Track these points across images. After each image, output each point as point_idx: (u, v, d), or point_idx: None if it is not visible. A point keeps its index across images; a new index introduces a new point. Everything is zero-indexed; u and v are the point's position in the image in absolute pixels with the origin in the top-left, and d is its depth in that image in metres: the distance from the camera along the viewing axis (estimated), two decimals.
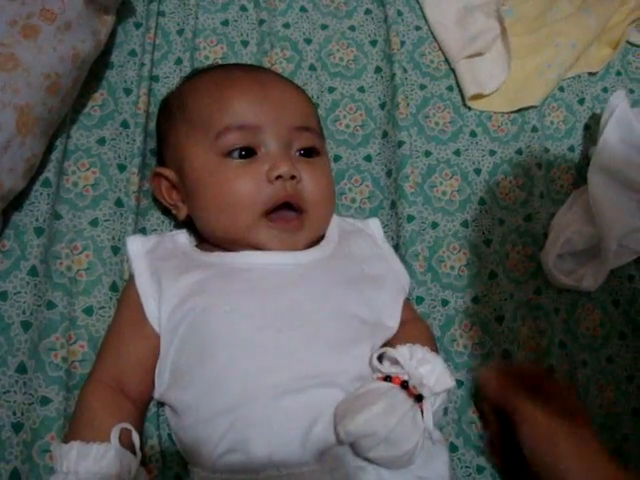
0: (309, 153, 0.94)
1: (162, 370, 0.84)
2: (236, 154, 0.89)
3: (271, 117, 0.90)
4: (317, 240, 0.95)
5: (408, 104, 1.18)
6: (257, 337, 0.81)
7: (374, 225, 1.03)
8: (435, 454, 0.82)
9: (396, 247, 1.05)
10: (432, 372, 0.79)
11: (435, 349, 0.89)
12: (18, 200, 0.92)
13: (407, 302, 0.98)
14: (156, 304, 0.85)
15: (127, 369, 0.84)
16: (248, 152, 0.89)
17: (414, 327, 0.94)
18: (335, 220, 0.99)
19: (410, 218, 1.07)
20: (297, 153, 0.93)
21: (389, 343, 0.88)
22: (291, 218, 0.90)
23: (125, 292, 0.91)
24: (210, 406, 0.79)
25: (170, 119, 0.98)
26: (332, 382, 0.79)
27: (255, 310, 0.83)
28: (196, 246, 0.95)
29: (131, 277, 0.90)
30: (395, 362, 0.80)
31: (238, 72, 0.97)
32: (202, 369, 0.80)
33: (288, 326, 0.82)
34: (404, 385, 0.78)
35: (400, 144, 1.12)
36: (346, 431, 0.72)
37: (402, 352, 0.80)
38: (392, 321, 0.91)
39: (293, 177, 0.88)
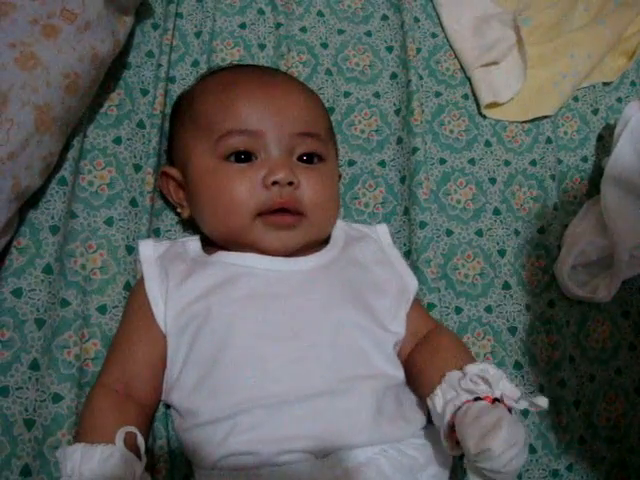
0: (311, 159, 0.94)
1: (170, 374, 0.85)
2: (234, 158, 0.90)
3: (273, 122, 0.90)
4: (320, 245, 0.95)
5: (423, 111, 1.18)
6: (258, 346, 0.81)
7: (381, 230, 1.02)
8: (437, 455, 0.83)
9: (408, 253, 1.05)
10: (509, 386, 0.77)
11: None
12: (34, 198, 0.92)
13: (423, 308, 0.98)
14: (163, 307, 0.86)
15: (135, 372, 0.84)
16: (247, 156, 0.90)
17: (449, 338, 0.92)
18: (341, 226, 1.00)
19: (422, 224, 1.06)
20: (299, 159, 0.93)
21: (402, 350, 0.90)
22: (287, 215, 0.89)
23: (133, 296, 0.91)
24: (212, 411, 0.80)
25: (178, 119, 1.00)
26: (335, 391, 0.80)
27: (257, 319, 0.83)
28: (204, 250, 0.95)
29: (140, 280, 0.91)
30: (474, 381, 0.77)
31: (247, 74, 0.97)
32: (205, 376, 0.81)
33: (289, 335, 0.82)
34: (497, 401, 0.75)
35: (414, 150, 1.12)
36: (492, 448, 0.69)
37: (488, 371, 0.78)
38: (396, 325, 0.90)
39: (291, 183, 0.88)
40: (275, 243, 0.89)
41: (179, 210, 0.99)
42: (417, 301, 0.97)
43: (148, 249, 0.93)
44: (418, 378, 0.86)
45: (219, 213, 0.90)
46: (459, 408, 0.75)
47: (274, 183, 0.87)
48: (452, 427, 0.75)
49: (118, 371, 0.84)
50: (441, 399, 0.78)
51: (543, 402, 0.75)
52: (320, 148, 0.95)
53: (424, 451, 0.82)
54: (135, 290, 0.92)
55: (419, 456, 0.80)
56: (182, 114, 0.99)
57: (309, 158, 0.93)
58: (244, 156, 0.90)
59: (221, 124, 0.90)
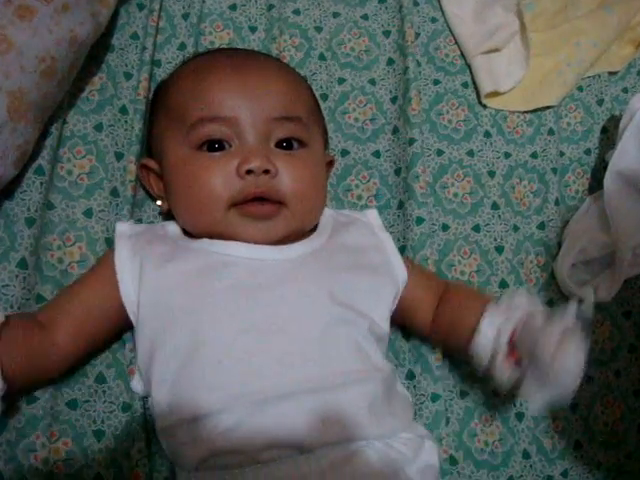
0: (290, 145, 0.89)
1: (143, 363, 0.83)
2: (207, 147, 0.86)
3: (247, 108, 0.86)
4: (306, 233, 0.91)
5: (420, 99, 1.14)
6: (242, 340, 0.78)
7: (371, 215, 0.99)
8: (424, 447, 0.82)
9: (402, 249, 1.01)
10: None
11: None
12: (9, 188, 0.88)
13: (426, 270, 1.00)
14: (134, 287, 0.83)
15: (65, 309, 0.82)
16: (221, 145, 0.86)
17: (465, 286, 1.02)
18: (329, 213, 0.96)
19: (419, 220, 1.03)
20: (278, 145, 0.88)
21: (425, 313, 0.93)
22: (265, 204, 0.85)
23: (101, 263, 0.88)
24: (192, 409, 0.77)
25: (155, 108, 0.96)
26: (320, 388, 0.77)
27: (240, 311, 0.80)
28: (185, 234, 0.91)
29: (109, 252, 0.87)
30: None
31: (221, 59, 0.93)
32: (185, 371, 0.78)
33: (273, 329, 0.79)
34: None
35: (411, 142, 1.08)
36: (572, 345, 0.77)
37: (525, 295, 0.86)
38: (379, 313, 0.87)
39: (267, 172, 0.84)
40: (255, 234, 0.85)
41: (159, 203, 0.95)
42: (419, 267, 0.98)
43: (124, 228, 0.89)
44: (452, 328, 0.91)
45: (192, 205, 0.87)
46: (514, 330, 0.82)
47: (249, 172, 0.83)
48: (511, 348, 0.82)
49: (51, 309, 0.83)
50: (493, 325, 0.83)
51: (589, 292, 0.86)
52: (300, 132, 0.90)
53: (412, 445, 0.80)
54: (103, 258, 0.88)
55: (407, 451, 0.79)
56: (157, 103, 0.96)
57: (288, 144, 0.89)
58: (217, 145, 0.86)
59: (192, 112, 0.87)
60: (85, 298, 0.84)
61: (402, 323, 0.96)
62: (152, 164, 0.93)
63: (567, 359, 0.76)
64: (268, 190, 0.85)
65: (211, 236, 0.87)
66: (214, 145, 0.86)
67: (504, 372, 0.82)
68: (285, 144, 0.89)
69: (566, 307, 0.80)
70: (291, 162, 0.87)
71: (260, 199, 0.85)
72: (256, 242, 0.85)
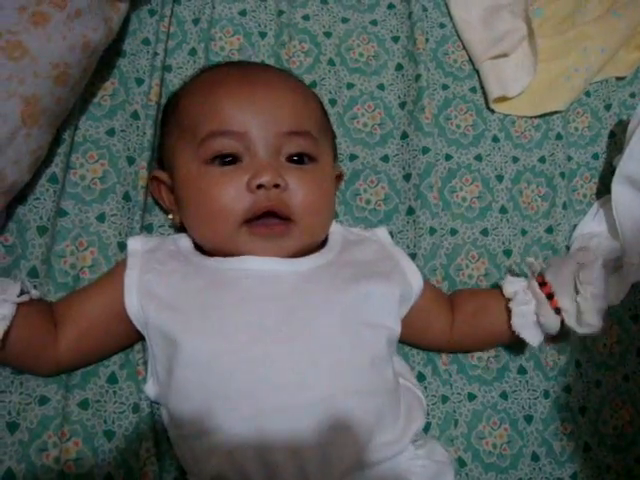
0: (301, 159, 0.89)
1: (160, 372, 0.83)
2: (218, 161, 0.86)
3: (258, 122, 0.86)
4: (317, 248, 0.91)
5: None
6: (253, 351, 0.78)
7: (381, 233, 0.99)
8: (440, 475, 0.82)
9: (413, 257, 1.02)
10: None
11: None
12: (22, 193, 0.89)
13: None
14: (138, 301, 0.83)
15: (75, 323, 0.84)
16: (232, 159, 0.86)
17: (465, 288, 1.06)
18: (339, 230, 0.96)
19: (432, 230, 1.05)
20: (289, 159, 0.88)
21: (443, 326, 0.96)
22: (274, 223, 0.86)
23: (111, 279, 0.88)
24: (204, 420, 0.77)
25: (166, 121, 0.97)
26: (332, 397, 0.77)
27: (251, 322, 0.80)
28: (198, 250, 0.92)
29: (121, 267, 0.87)
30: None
31: (232, 73, 0.93)
32: (199, 383, 0.79)
33: (285, 338, 0.79)
34: None
35: (425, 150, 1.09)
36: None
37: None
38: (391, 320, 0.87)
39: (277, 186, 0.84)
40: (262, 253, 0.85)
41: (170, 216, 0.95)
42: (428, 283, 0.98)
43: (136, 243, 0.89)
44: (480, 315, 0.96)
45: (204, 220, 0.87)
46: (540, 284, 0.92)
47: (259, 186, 0.83)
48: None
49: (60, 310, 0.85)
50: (520, 288, 0.93)
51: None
52: (310, 147, 0.90)
53: (427, 473, 0.81)
54: (114, 274, 0.88)
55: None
56: (168, 117, 0.96)
57: (299, 158, 0.89)
58: (228, 159, 0.86)
59: (203, 126, 0.87)
60: (90, 309, 0.85)
61: (413, 339, 0.97)
62: (164, 177, 0.93)
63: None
64: (278, 204, 0.85)
65: (223, 251, 0.87)
66: (225, 159, 0.86)
67: (551, 319, 0.90)
68: (295, 159, 0.89)
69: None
70: (301, 177, 0.87)
71: (270, 214, 0.85)
72: (268, 255, 0.85)
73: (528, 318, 0.91)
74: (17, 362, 0.82)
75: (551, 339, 0.98)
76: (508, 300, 0.93)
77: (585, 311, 0.88)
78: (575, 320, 0.90)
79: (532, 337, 0.92)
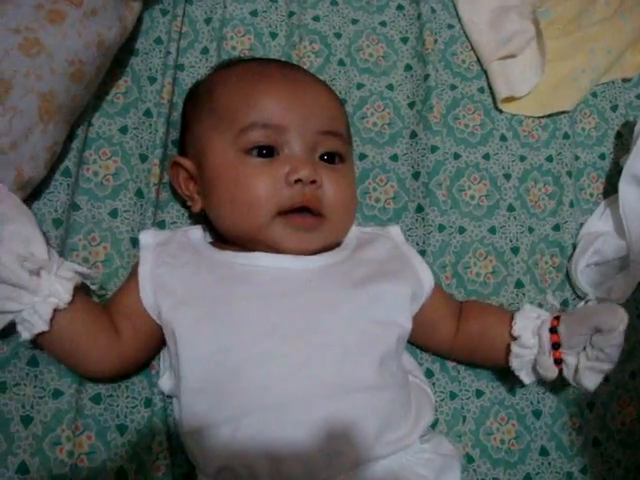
0: (332, 158, 0.91)
1: (173, 365, 0.84)
2: (256, 152, 0.87)
3: (298, 118, 0.88)
4: (332, 247, 0.92)
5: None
6: (263, 346, 0.79)
7: (394, 231, 1.00)
8: (446, 468, 0.82)
9: (422, 253, 1.03)
10: None
11: None
12: (37, 188, 0.90)
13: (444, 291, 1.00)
14: (153, 296, 0.84)
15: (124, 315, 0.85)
16: (270, 151, 0.87)
17: (480, 302, 1.04)
18: (353, 228, 0.97)
19: (441, 227, 1.05)
20: (321, 158, 0.90)
21: (446, 332, 0.96)
22: (307, 217, 0.87)
23: (130, 275, 0.89)
24: (214, 413, 0.78)
25: (196, 108, 0.96)
26: (341, 393, 0.78)
27: (261, 317, 0.81)
28: (210, 243, 0.93)
29: (136, 264, 0.88)
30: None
31: (273, 68, 0.95)
32: (210, 376, 0.79)
33: (296, 334, 0.80)
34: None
35: (434, 149, 1.10)
36: (622, 313, 0.85)
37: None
38: (402, 317, 0.88)
39: (313, 182, 0.86)
40: (295, 245, 0.86)
41: (189, 203, 0.95)
42: (438, 285, 0.97)
43: (148, 237, 0.90)
44: (482, 338, 0.94)
45: (238, 210, 0.87)
46: (551, 329, 0.88)
47: (297, 181, 0.85)
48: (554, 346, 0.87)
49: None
50: (528, 330, 0.89)
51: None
52: (342, 148, 0.92)
53: (433, 466, 0.81)
54: (132, 270, 0.89)
55: (427, 472, 0.80)
56: (199, 104, 0.96)
57: (330, 158, 0.91)
58: (266, 151, 0.87)
59: (244, 116, 0.87)
60: (133, 302, 0.85)
61: (419, 339, 0.97)
62: (188, 164, 0.93)
63: (623, 325, 0.85)
64: (312, 200, 0.86)
65: (243, 243, 0.88)
66: (262, 151, 0.87)
67: (549, 370, 0.87)
68: (327, 157, 0.90)
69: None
70: (333, 176, 0.89)
71: (303, 209, 0.86)
72: (295, 251, 0.86)
73: (526, 361, 0.90)
74: (80, 353, 0.82)
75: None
76: (512, 337, 0.90)
77: (583, 372, 0.86)
78: (573, 376, 0.88)
79: (526, 378, 0.91)
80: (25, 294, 0.74)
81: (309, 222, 0.87)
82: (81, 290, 0.80)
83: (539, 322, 0.89)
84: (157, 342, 0.87)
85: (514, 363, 0.90)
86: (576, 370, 0.86)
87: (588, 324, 0.85)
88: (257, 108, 0.88)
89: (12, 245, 0.75)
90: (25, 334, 0.76)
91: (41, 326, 0.75)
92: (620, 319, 0.84)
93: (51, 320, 0.76)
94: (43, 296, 0.75)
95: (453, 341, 0.96)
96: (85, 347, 0.81)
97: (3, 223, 0.76)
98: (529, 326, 0.89)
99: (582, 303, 0.94)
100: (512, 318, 0.91)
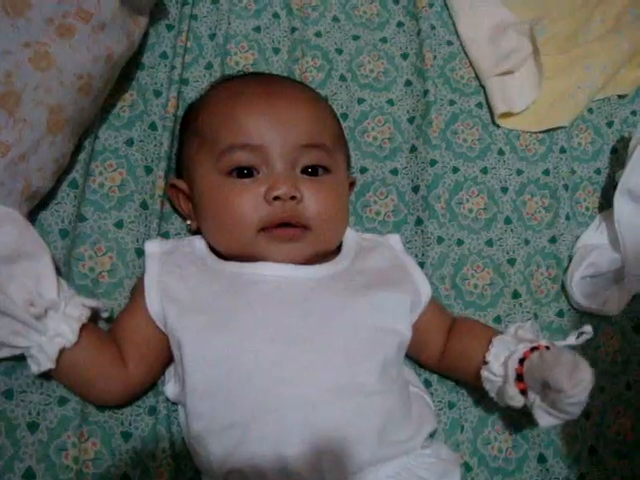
0: (315, 171, 0.92)
1: (179, 372, 0.84)
2: (236, 173, 0.89)
3: (276, 135, 0.89)
4: (332, 254, 0.94)
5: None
6: (270, 351, 0.81)
7: (394, 240, 1.01)
8: (448, 473, 0.83)
9: (421, 266, 1.04)
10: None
11: None
12: (44, 198, 0.91)
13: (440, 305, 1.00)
14: (159, 303, 0.85)
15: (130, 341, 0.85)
16: (250, 172, 0.89)
17: (472, 320, 1.03)
18: (353, 236, 0.99)
19: (440, 240, 1.07)
20: (304, 171, 0.91)
21: (434, 346, 0.95)
22: (289, 228, 0.88)
23: (136, 291, 0.90)
24: (222, 418, 0.79)
25: (187, 130, 0.99)
26: (346, 397, 0.80)
27: (267, 322, 0.82)
28: (212, 251, 0.94)
29: (139, 281, 0.90)
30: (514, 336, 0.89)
31: (251, 85, 0.96)
32: (217, 382, 0.81)
33: (301, 340, 0.82)
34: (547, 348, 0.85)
35: (433, 163, 1.12)
36: (585, 378, 0.79)
37: (527, 325, 0.90)
38: (403, 325, 0.89)
39: (293, 198, 0.87)
40: (283, 256, 0.88)
41: (188, 222, 0.98)
42: (434, 299, 0.98)
43: (154, 246, 0.91)
44: (461, 358, 0.93)
45: (223, 229, 0.90)
46: (522, 360, 0.84)
47: (276, 198, 0.86)
48: (518, 378, 0.84)
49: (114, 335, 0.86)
50: (500, 358, 0.87)
51: (588, 329, 0.88)
52: (325, 159, 0.93)
53: (435, 470, 0.82)
54: (136, 287, 0.91)
55: (429, 476, 0.81)
56: (188, 127, 0.99)
57: (314, 170, 0.92)
58: (247, 171, 0.89)
59: (223, 138, 0.90)
60: (136, 325, 0.86)
61: (410, 352, 0.96)
62: (182, 185, 0.96)
63: (577, 390, 0.78)
64: (293, 215, 0.88)
65: (240, 256, 0.89)
66: (243, 171, 0.89)
67: (514, 399, 0.85)
68: (310, 170, 0.91)
69: (567, 339, 0.89)
70: (316, 188, 0.90)
71: (286, 224, 0.88)
72: (283, 261, 0.88)
73: (495, 387, 0.89)
74: (87, 385, 0.83)
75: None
76: (484, 362, 0.89)
77: (536, 410, 0.84)
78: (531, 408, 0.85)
79: (500, 400, 0.89)
80: (33, 332, 0.75)
81: (291, 233, 0.88)
82: (89, 324, 0.81)
83: (507, 354, 0.87)
84: (163, 364, 0.88)
85: (486, 386, 0.90)
86: (532, 405, 0.84)
87: (542, 373, 0.81)
88: (234, 130, 0.89)
89: (23, 282, 0.76)
90: (34, 368, 0.78)
91: (47, 364, 0.77)
92: (576, 383, 0.78)
93: (57, 358, 0.77)
94: (49, 336, 0.76)
95: (441, 356, 0.96)
96: (92, 380, 0.82)
97: (19, 258, 0.77)
98: (501, 354, 0.88)
99: (572, 337, 0.89)
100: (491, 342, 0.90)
